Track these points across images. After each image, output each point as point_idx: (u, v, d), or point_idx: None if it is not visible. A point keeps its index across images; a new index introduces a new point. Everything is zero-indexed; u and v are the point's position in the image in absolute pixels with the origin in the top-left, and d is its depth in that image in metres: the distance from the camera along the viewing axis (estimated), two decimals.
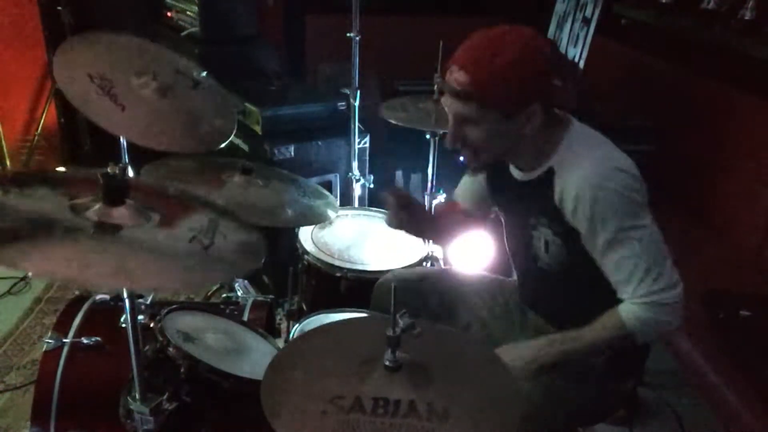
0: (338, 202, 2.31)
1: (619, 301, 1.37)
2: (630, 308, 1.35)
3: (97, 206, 1.08)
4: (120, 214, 1.09)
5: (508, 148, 1.41)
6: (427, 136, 2.29)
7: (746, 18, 2.36)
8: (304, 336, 1.43)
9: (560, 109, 1.42)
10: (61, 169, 3.55)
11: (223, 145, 1.74)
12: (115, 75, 1.61)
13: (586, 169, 1.32)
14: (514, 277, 1.74)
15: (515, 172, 1.50)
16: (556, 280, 1.48)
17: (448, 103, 1.38)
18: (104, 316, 1.70)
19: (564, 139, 1.38)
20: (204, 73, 1.78)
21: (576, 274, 1.43)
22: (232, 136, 1.78)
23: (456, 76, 1.33)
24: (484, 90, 1.30)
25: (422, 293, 1.70)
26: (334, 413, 0.99)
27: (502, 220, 1.68)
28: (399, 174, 3.34)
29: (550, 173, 1.38)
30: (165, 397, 1.29)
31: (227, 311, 1.82)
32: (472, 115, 1.34)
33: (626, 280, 1.34)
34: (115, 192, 1.09)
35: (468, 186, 1.75)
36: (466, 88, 1.31)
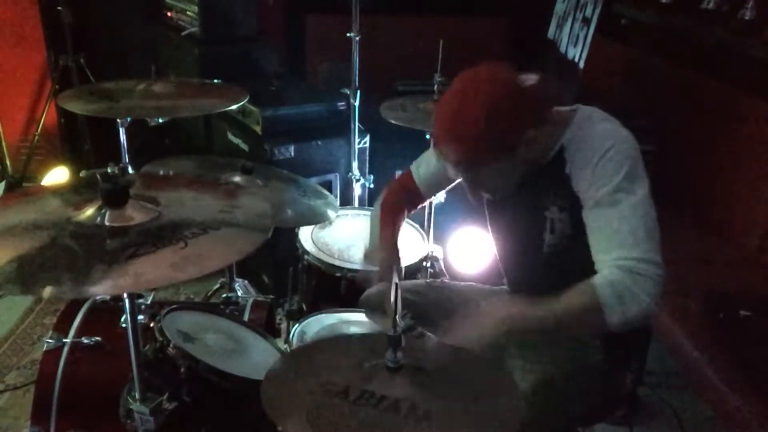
0: (338, 202, 2.31)
1: None
2: (603, 273, 1.28)
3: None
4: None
5: (525, 170, 1.44)
6: (427, 136, 2.28)
7: (746, 18, 2.36)
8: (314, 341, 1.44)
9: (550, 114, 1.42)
10: (62, 168, 3.56)
11: None
12: None
13: (596, 135, 1.35)
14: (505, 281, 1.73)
15: None
16: (558, 264, 1.46)
17: (455, 173, 1.45)
18: (104, 316, 1.70)
19: (573, 121, 1.41)
20: None
21: (576, 253, 1.39)
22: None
23: (447, 154, 1.40)
24: (478, 155, 1.36)
25: (414, 306, 1.68)
26: (319, 395, 1.03)
27: (488, 215, 1.67)
28: (399, 174, 3.34)
29: (561, 151, 1.40)
30: (165, 397, 1.29)
31: (227, 311, 1.82)
32: (479, 174, 1.41)
33: (605, 244, 1.29)
34: (117, 194, 1.10)
35: (433, 171, 1.75)
36: (462, 162, 1.39)
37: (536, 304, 1.33)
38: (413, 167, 1.82)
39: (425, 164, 1.79)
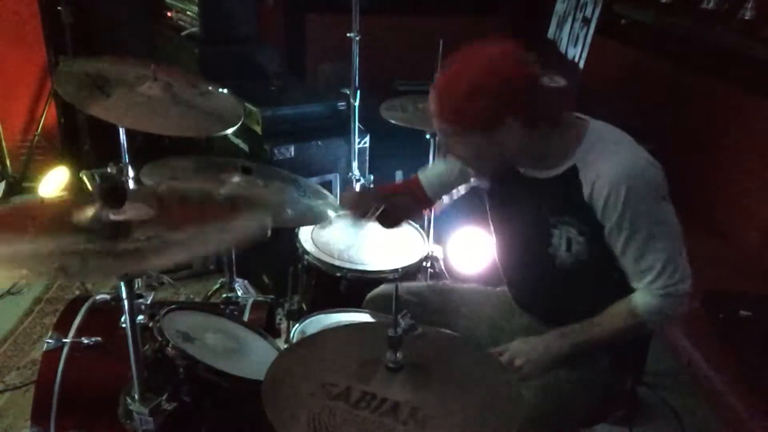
0: (338, 202, 2.31)
1: (629, 290, 1.41)
2: (645, 298, 1.39)
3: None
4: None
5: (502, 160, 1.45)
6: (427, 136, 2.28)
7: (746, 18, 2.36)
8: (315, 335, 1.44)
9: (547, 117, 1.41)
10: (62, 168, 3.56)
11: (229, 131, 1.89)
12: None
13: (619, 164, 1.34)
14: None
15: (529, 170, 1.50)
16: (570, 280, 1.47)
17: (436, 127, 1.48)
18: (104, 316, 1.70)
19: (585, 138, 1.40)
20: None
21: (593, 272, 1.44)
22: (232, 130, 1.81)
23: (432, 106, 1.43)
24: (453, 117, 1.38)
25: (413, 308, 1.68)
26: (320, 397, 1.03)
27: (492, 221, 1.67)
28: (399, 174, 3.34)
29: (573, 171, 1.39)
30: (164, 397, 1.29)
31: (227, 311, 1.82)
32: (454, 136, 1.44)
33: (645, 270, 1.38)
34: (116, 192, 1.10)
35: (438, 171, 1.78)
36: (440, 126, 1.42)
37: (573, 332, 1.46)
38: (420, 172, 1.83)
39: (432, 167, 1.83)
